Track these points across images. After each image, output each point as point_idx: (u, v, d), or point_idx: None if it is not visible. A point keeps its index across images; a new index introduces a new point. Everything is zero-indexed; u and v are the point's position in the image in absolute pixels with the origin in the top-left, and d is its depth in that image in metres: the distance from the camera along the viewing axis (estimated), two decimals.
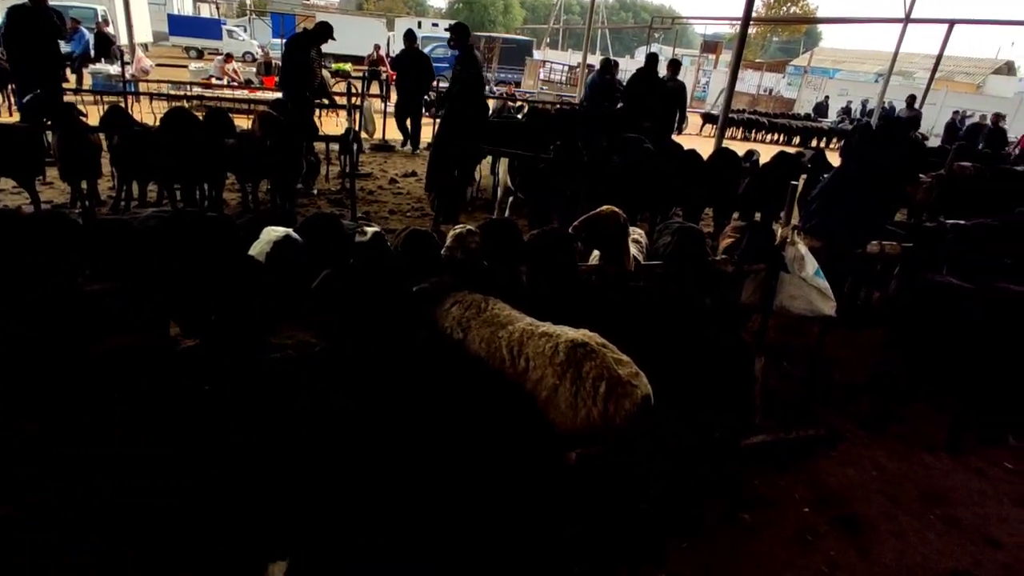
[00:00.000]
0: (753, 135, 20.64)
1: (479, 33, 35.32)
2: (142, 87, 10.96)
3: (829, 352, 4.47)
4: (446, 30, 8.39)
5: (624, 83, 11.61)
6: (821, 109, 25.57)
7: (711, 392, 3.28)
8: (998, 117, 14.44)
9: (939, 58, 16.43)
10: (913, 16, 16.20)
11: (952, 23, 15.82)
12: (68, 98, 7.66)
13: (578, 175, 5.86)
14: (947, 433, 3.65)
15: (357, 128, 7.59)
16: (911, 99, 13.97)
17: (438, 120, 8.03)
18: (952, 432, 3.62)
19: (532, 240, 3.09)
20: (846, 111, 24.86)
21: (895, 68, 17.43)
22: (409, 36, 9.77)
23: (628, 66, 29.23)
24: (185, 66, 16.19)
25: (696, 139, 16.17)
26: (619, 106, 10.19)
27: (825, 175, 5.95)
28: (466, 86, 6.26)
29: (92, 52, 13.92)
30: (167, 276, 2.50)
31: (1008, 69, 42.98)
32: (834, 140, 20.59)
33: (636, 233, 4.02)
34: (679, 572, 2.46)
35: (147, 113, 8.51)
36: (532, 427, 2.24)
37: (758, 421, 3.44)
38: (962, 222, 4.44)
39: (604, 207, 3.14)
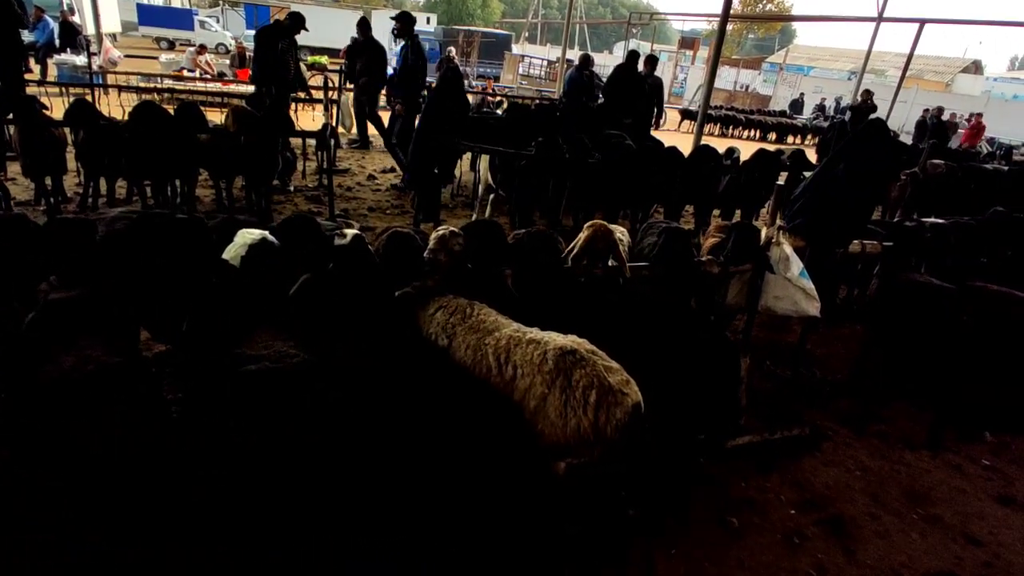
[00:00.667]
0: (730, 131, 20.81)
1: (458, 27, 35.08)
2: (110, 79, 10.59)
3: (810, 350, 4.50)
4: (392, 19, 8.06)
5: (602, 78, 11.61)
6: (797, 106, 25.91)
7: (697, 394, 3.26)
8: (940, 111, 14.74)
9: (910, 57, 16.75)
10: (885, 15, 16.50)
11: (923, 22, 16.14)
12: (31, 90, 7.38)
13: (559, 172, 5.81)
14: (927, 431, 3.69)
15: (334, 123, 7.44)
16: (866, 94, 14.16)
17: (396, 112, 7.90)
18: (932, 430, 3.66)
19: (517, 242, 3.03)
20: (821, 108, 25.20)
21: (867, 66, 17.72)
22: (363, 25, 8.99)
23: (606, 61, 29.36)
24: (155, 57, 15.72)
25: (675, 135, 16.23)
26: (599, 102, 10.17)
27: (805, 173, 6.00)
28: (445, 81, 6.15)
29: (57, 42, 13.45)
30: (136, 281, 2.39)
31: (976, 68, 44.00)
32: (809, 136, 20.88)
33: (619, 232, 3.98)
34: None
35: (115, 106, 8.21)
36: (519, 436, 2.19)
37: (743, 422, 3.44)
38: (940, 221, 4.49)
39: (591, 224, 3.10)
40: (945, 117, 18.07)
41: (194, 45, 15.51)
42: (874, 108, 13.30)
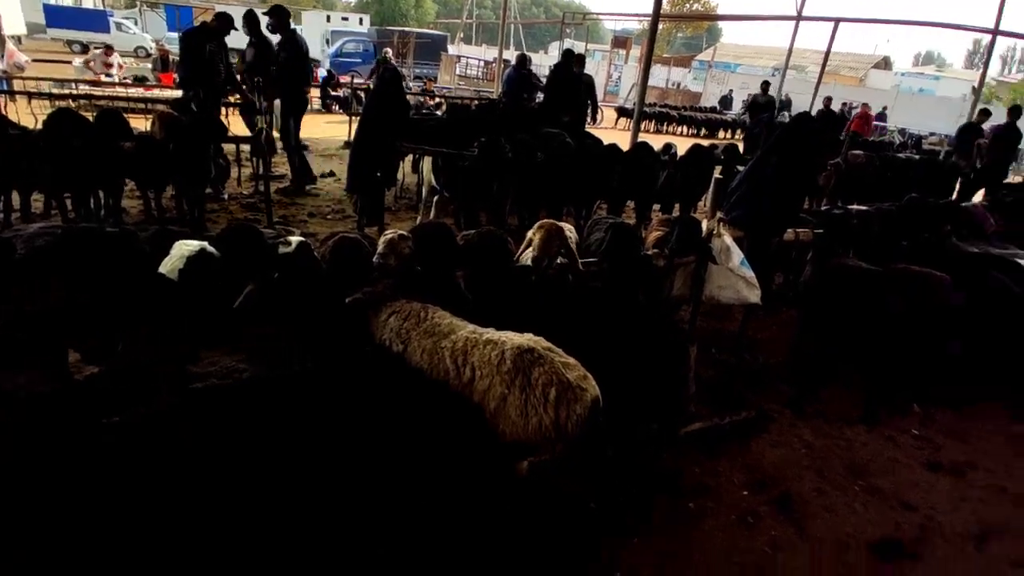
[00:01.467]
0: (665, 127, 21.44)
1: (392, 28, 34.63)
2: (17, 85, 9.86)
3: (752, 336, 4.68)
4: (265, 14, 7.34)
5: (540, 78, 11.74)
6: (726, 102, 26.88)
7: (649, 384, 3.34)
8: (828, 100, 15.55)
9: (827, 53, 17.70)
10: (804, 14, 17.37)
11: (838, 20, 17.07)
12: None
13: (503, 171, 5.82)
14: (862, 407, 3.90)
15: (268, 127, 7.18)
16: (765, 85, 14.58)
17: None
18: (867, 406, 3.88)
19: (467, 243, 3.02)
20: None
21: (789, 63, 18.61)
22: (248, 20, 7.31)
23: (542, 61, 29.65)
24: (68, 62, 14.78)
25: (612, 132, 16.55)
26: (536, 101, 10.28)
27: (739, 166, 6.23)
28: (384, 82, 6.06)
29: None
30: (63, 301, 2.24)
31: (885, 64, 46.90)
32: (739, 131, 21.71)
33: (567, 229, 4.03)
34: (635, 569, 2.47)
35: (25, 114, 7.66)
36: (480, 438, 2.18)
37: (694, 409, 3.54)
38: (864, 208, 4.76)
39: (543, 224, 3.12)
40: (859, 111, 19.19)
41: (100, 48, 14.61)
42: (772, 100, 13.90)
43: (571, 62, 8.91)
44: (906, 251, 4.72)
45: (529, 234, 3.28)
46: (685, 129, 21.75)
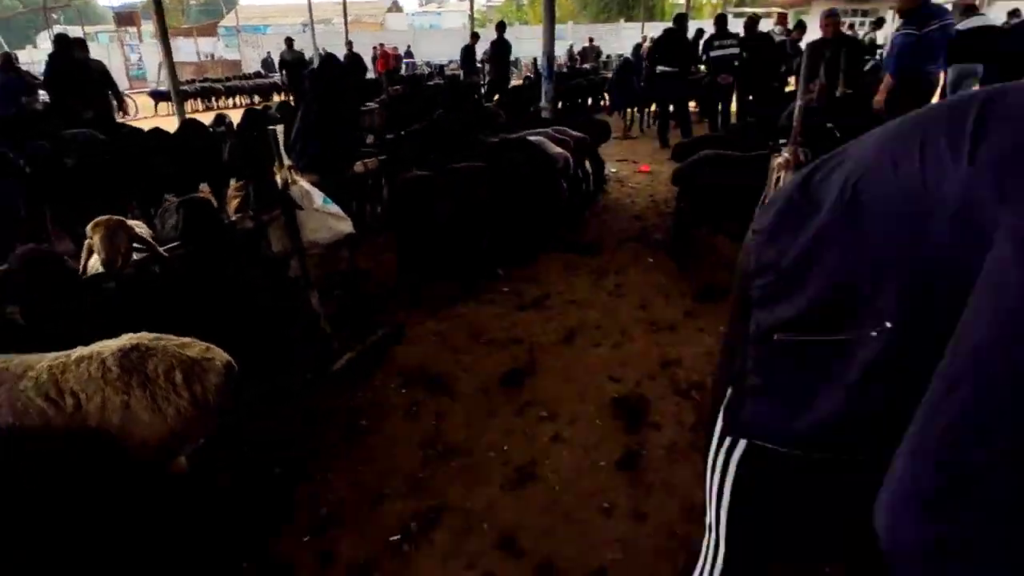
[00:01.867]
0: (215, 103, 19.97)
1: None
2: None
3: (362, 267, 5.08)
4: None
5: (36, 76, 9.70)
6: (268, 65, 26.21)
7: (281, 337, 3.45)
8: (351, 45, 17.49)
9: (345, 5, 18.82)
10: None
11: None
12: None
13: (19, 189, 4.77)
14: (460, 286, 4.74)
15: None
16: (289, 41, 15.36)
17: None
18: (464, 283, 4.73)
19: (6, 274, 2.51)
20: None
21: (317, 17, 19.20)
22: None
23: (32, 57, 23.96)
24: None
25: (156, 120, 14.67)
26: (37, 106, 8.52)
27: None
28: None
29: None
30: None
31: (396, 7, 51.92)
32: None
33: (134, 223, 3.64)
34: (336, 498, 2.65)
35: None
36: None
37: (337, 346, 3.78)
38: (411, 129, 5.51)
39: (97, 222, 2.77)
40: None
41: None
42: (300, 55, 15.05)
43: (70, 48, 7.57)
44: (452, 155, 5.70)
45: (87, 241, 2.90)
46: (238, 100, 20.68)
